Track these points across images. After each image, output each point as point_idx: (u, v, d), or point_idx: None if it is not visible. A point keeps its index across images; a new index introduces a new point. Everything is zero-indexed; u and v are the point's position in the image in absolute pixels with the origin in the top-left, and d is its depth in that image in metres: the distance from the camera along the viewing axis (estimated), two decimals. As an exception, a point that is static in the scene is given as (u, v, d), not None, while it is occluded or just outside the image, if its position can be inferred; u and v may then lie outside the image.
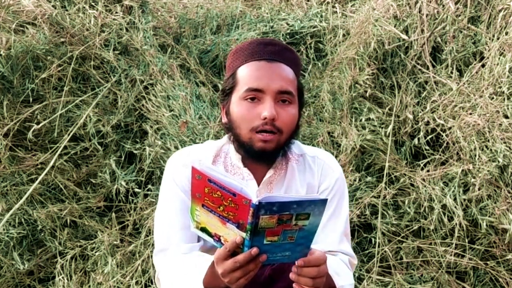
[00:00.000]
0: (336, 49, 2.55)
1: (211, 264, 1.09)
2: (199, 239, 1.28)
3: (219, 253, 1.01)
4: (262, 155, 1.23)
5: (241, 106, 1.22)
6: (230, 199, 0.96)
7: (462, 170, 2.13)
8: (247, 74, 1.23)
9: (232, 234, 1.00)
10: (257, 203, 0.91)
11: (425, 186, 2.14)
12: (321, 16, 2.70)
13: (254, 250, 0.97)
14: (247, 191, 0.94)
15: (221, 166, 1.31)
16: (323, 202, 0.95)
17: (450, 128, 2.23)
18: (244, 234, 0.97)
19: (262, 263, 1.00)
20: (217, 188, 0.97)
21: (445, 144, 2.24)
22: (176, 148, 2.21)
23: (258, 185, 1.29)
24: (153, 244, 2.11)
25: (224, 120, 1.29)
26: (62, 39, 2.41)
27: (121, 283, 2.06)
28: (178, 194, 1.27)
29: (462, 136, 2.17)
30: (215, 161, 1.31)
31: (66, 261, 2.16)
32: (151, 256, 2.07)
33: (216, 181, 0.97)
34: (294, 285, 1.06)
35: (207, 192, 1.00)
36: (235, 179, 0.97)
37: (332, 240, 1.29)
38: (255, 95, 1.21)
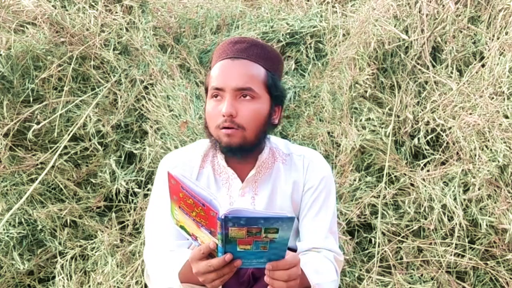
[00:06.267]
0: (336, 49, 2.55)
1: (188, 260, 1.11)
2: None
3: (193, 253, 1.04)
4: (230, 150, 1.26)
5: (209, 105, 1.28)
6: (200, 208, 0.98)
7: (462, 170, 2.13)
8: (213, 74, 1.28)
9: (206, 238, 1.02)
10: (222, 217, 0.93)
11: (425, 186, 2.14)
12: (321, 16, 2.70)
13: (228, 256, 0.99)
14: (216, 203, 0.95)
15: (209, 166, 1.34)
16: (290, 219, 0.96)
17: (450, 128, 2.23)
18: (217, 241, 0.99)
19: (238, 268, 1.02)
20: (189, 196, 0.99)
21: (445, 144, 2.24)
22: (176, 148, 2.21)
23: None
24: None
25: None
26: (62, 39, 2.41)
27: (121, 283, 2.06)
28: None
29: (462, 136, 2.17)
30: (204, 161, 1.34)
31: (66, 261, 2.16)
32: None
33: (187, 190, 0.99)
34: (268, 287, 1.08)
35: (181, 196, 1.02)
36: (206, 190, 0.98)
37: (317, 237, 1.31)
38: (217, 93, 1.25)
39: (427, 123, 2.28)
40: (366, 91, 2.34)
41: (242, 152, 1.27)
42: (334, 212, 1.36)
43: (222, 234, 0.95)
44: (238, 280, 1.22)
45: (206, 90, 1.32)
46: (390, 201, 2.17)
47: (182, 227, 1.10)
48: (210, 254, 1.02)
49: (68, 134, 2.29)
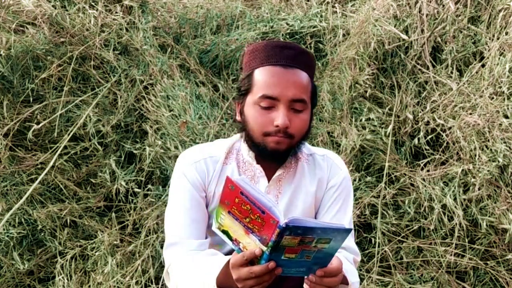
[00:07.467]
0: (336, 49, 2.55)
1: (225, 264, 1.10)
2: (207, 235, 1.31)
3: (235, 259, 1.03)
4: (275, 155, 1.26)
5: (255, 110, 1.25)
6: (258, 215, 0.98)
7: (462, 170, 2.13)
8: (263, 79, 1.25)
9: (252, 244, 1.02)
10: (283, 226, 0.93)
11: (425, 186, 2.14)
12: (321, 16, 2.70)
13: (271, 264, 0.99)
14: (276, 211, 0.96)
15: (233, 162, 1.34)
16: (347, 231, 0.97)
17: (450, 128, 2.23)
18: (264, 248, 0.98)
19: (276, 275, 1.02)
20: (247, 202, 0.99)
21: (445, 144, 2.24)
22: (176, 148, 2.21)
23: (269, 182, 1.32)
24: (153, 244, 2.11)
25: (238, 118, 1.32)
26: (62, 39, 2.41)
27: (121, 283, 2.06)
28: (188, 189, 1.30)
29: (462, 136, 2.17)
30: (227, 157, 1.34)
31: (66, 261, 2.16)
32: (151, 256, 2.09)
33: (248, 196, 0.99)
34: None
35: (237, 202, 1.02)
36: (266, 197, 0.99)
37: None
38: (269, 101, 1.23)
39: (427, 123, 2.29)
40: (366, 91, 2.34)
41: (285, 156, 1.29)
42: (352, 212, 1.39)
43: (274, 242, 0.95)
44: None
45: (242, 91, 1.29)
46: (390, 201, 2.17)
47: (224, 232, 1.10)
48: (251, 261, 1.02)
49: (68, 134, 2.29)
